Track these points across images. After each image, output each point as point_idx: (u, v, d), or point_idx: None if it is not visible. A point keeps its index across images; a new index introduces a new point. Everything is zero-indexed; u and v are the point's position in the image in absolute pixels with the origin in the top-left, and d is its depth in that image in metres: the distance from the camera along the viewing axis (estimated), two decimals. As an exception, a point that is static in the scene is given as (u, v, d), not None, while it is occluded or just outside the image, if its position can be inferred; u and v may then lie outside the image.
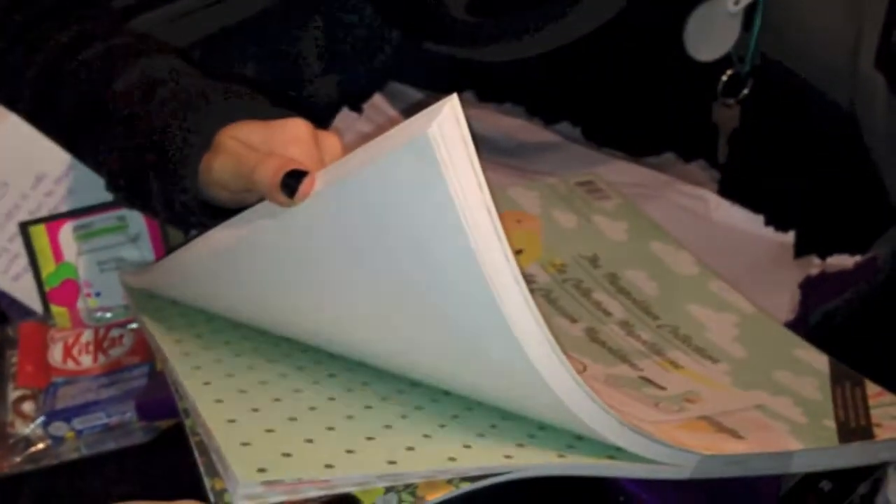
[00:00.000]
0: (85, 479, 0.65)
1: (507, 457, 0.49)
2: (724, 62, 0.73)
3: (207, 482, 0.48)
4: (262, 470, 0.45)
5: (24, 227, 0.74)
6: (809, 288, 0.71)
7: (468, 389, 0.52)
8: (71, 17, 0.71)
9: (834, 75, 0.75)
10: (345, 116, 0.77)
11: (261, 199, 0.54)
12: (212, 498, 0.47)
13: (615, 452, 0.50)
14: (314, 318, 0.55)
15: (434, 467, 0.47)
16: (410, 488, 0.47)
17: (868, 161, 0.77)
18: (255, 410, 0.50)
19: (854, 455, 0.55)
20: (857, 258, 0.74)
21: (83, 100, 0.67)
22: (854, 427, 0.57)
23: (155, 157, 0.60)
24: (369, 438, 0.49)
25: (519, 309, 0.46)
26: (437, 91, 0.74)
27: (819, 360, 0.63)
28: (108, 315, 0.74)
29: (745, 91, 0.74)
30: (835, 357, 0.63)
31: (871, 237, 0.77)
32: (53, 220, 0.74)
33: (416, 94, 0.76)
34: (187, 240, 0.61)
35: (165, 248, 0.75)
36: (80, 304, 0.75)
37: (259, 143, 0.55)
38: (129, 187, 0.64)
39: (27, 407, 0.68)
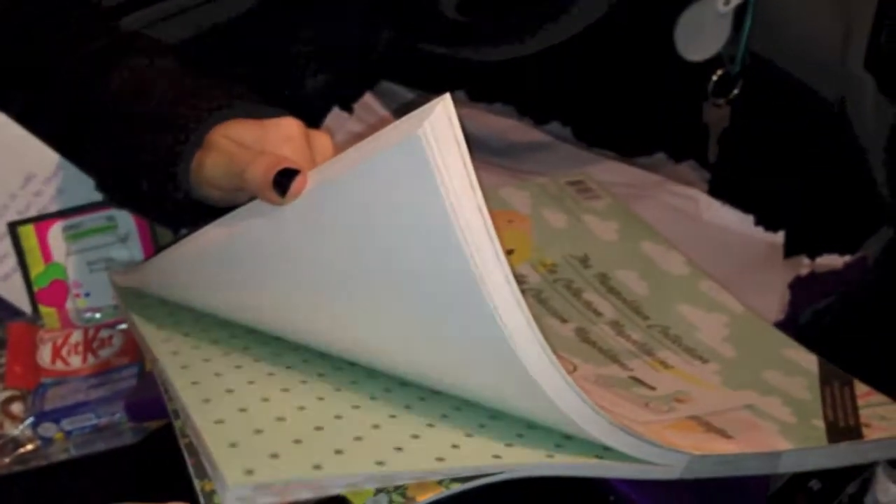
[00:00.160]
0: (74, 481, 0.65)
1: (496, 456, 0.49)
2: (715, 62, 0.73)
3: (197, 484, 0.47)
4: (249, 472, 0.45)
5: (13, 227, 0.74)
6: (799, 288, 0.71)
7: (457, 388, 0.52)
8: (64, 16, 0.70)
9: (824, 75, 0.75)
10: (335, 116, 0.77)
11: (252, 199, 0.54)
12: (202, 500, 0.47)
13: (603, 452, 0.50)
14: (303, 316, 0.55)
15: (423, 468, 0.47)
16: (401, 489, 0.47)
17: (858, 161, 0.77)
18: (243, 410, 0.50)
19: (843, 455, 0.55)
20: (847, 258, 0.75)
21: (75, 98, 0.67)
22: (843, 427, 0.57)
23: (147, 156, 0.60)
24: (357, 439, 0.49)
25: (510, 309, 0.46)
26: (428, 91, 0.74)
27: (808, 360, 0.63)
28: (98, 315, 0.74)
29: (736, 91, 0.74)
30: (824, 357, 0.64)
31: (861, 237, 0.77)
32: (42, 220, 0.74)
33: (407, 94, 0.76)
34: (176, 239, 0.61)
35: (155, 248, 0.75)
36: (69, 305, 0.75)
37: (251, 141, 0.55)
38: (119, 186, 0.64)
39: (16, 408, 0.68)
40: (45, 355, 0.71)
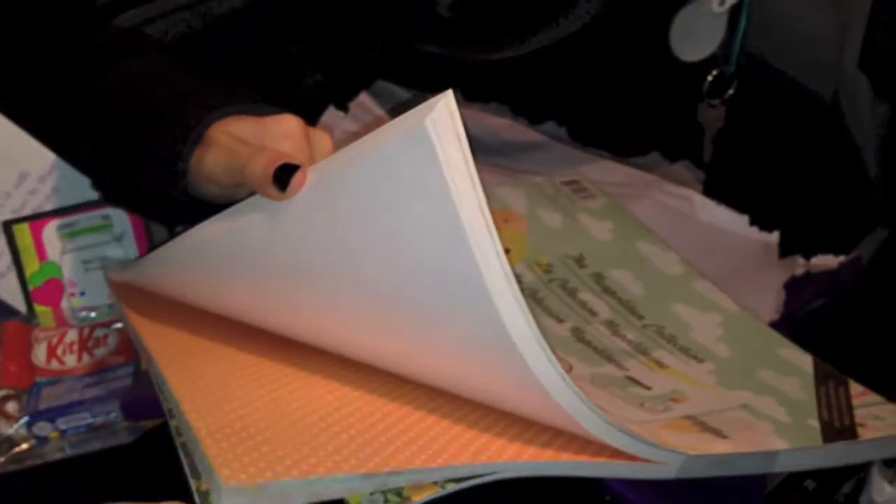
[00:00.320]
0: (69, 480, 0.64)
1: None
2: (710, 62, 0.74)
3: (193, 483, 0.47)
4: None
5: (8, 226, 0.74)
6: (794, 288, 0.71)
7: (455, 386, 0.52)
8: (60, 15, 0.70)
9: (819, 76, 0.75)
10: (331, 115, 0.77)
11: (251, 195, 0.54)
12: (197, 499, 0.47)
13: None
14: (301, 312, 0.55)
15: (419, 468, 0.47)
16: (396, 489, 0.47)
17: (852, 162, 0.77)
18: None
19: (838, 455, 0.56)
20: (842, 258, 0.75)
21: (72, 97, 0.67)
22: (838, 427, 0.57)
23: (147, 154, 0.60)
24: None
25: (510, 308, 0.46)
26: (423, 90, 0.74)
27: (803, 360, 0.64)
28: (93, 314, 0.74)
29: (731, 91, 0.74)
30: (819, 357, 0.64)
31: (856, 237, 0.77)
32: (37, 218, 0.74)
33: (402, 93, 0.76)
34: (171, 237, 0.61)
35: (150, 246, 0.75)
36: (64, 304, 0.74)
37: (251, 138, 0.55)
38: (117, 185, 0.64)
39: (11, 407, 0.68)
40: (40, 354, 0.71)
